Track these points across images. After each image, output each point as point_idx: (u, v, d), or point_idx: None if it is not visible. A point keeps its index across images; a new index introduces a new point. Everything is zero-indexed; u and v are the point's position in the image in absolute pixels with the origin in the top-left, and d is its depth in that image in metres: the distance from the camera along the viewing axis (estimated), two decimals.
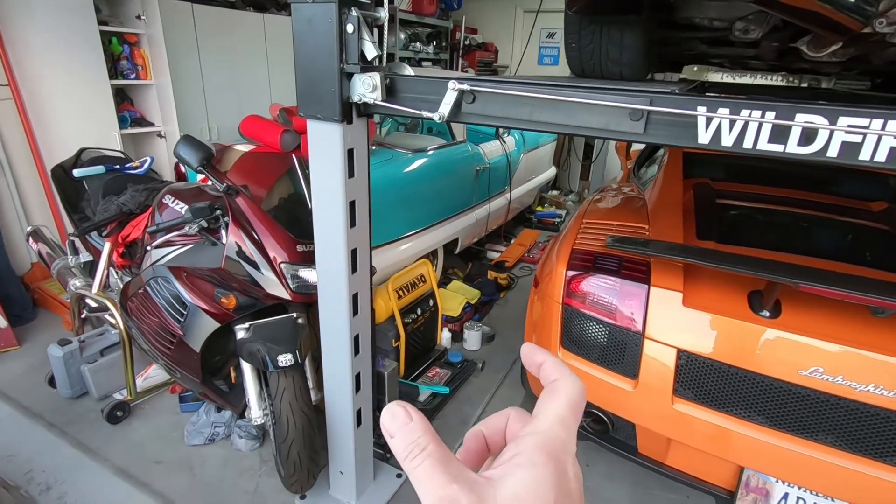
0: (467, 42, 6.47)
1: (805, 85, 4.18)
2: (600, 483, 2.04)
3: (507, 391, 2.58)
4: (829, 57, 2.06)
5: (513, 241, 4.52)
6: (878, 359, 1.29)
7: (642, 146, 3.55)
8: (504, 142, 4.14)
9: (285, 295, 1.77)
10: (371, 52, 1.23)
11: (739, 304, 1.48)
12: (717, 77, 5.49)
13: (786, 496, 1.47)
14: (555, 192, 6.05)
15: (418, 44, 5.98)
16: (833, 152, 0.90)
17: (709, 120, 0.97)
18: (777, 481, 1.47)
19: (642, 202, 2.26)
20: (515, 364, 2.77)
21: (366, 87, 1.26)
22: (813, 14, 1.18)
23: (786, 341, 1.39)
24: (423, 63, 6.16)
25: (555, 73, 6.22)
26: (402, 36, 5.67)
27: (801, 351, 1.37)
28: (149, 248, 1.94)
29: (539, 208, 5.46)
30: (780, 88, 3.91)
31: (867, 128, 0.87)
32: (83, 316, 2.43)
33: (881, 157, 0.87)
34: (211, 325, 1.80)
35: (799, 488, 1.45)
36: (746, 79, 5.42)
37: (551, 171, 5.44)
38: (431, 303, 2.74)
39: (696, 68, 5.39)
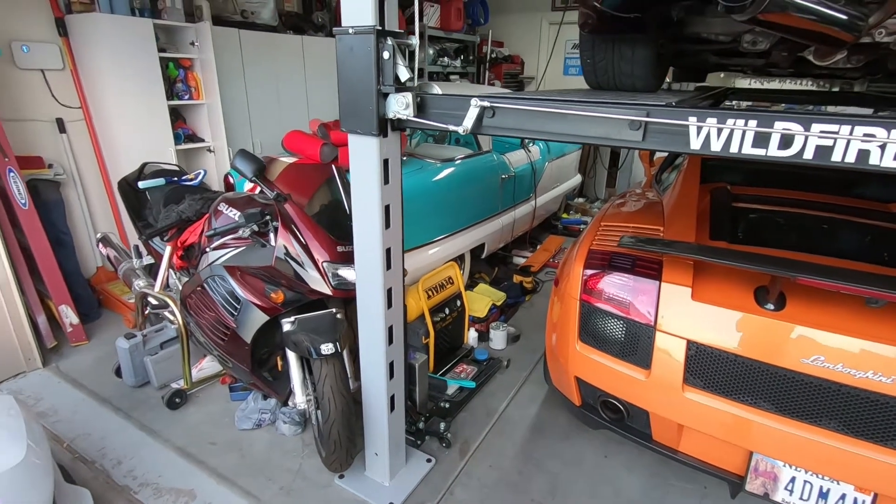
0: (494, 55, 6.66)
1: (836, 89, 4.18)
2: (619, 474, 2.14)
3: (530, 388, 2.70)
4: (843, 63, 2.14)
5: (538, 247, 4.64)
6: (876, 347, 1.37)
7: (665, 154, 3.63)
8: (529, 151, 4.29)
9: (327, 291, 1.97)
10: (404, 74, 1.42)
11: (746, 298, 1.59)
12: (744, 83, 5.50)
13: (793, 479, 1.55)
14: (581, 200, 6.14)
15: (446, 58, 6.21)
16: (809, 155, 1.03)
17: (699, 128, 1.11)
18: (785, 465, 1.55)
19: (660, 206, 2.36)
20: (539, 362, 2.89)
21: (400, 105, 1.45)
22: (802, 29, 1.30)
23: (789, 332, 1.49)
24: (451, 77, 6.38)
25: (579, 83, 6.34)
26: (431, 51, 5.91)
27: (804, 341, 1.46)
28: (207, 249, 2.18)
29: (565, 215, 5.56)
30: (807, 93, 3.92)
31: (837, 133, 0.99)
32: (146, 312, 2.70)
33: (851, 158, 0.99)
34: (261, 318, 2.01)
35: (806, 472, 1.53)
36: (774, 84, 5.40)
37: (576, 179, 5.55)
38: (459, 303, 2.90)
39: (722, 75, 5.42)
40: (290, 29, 4.40)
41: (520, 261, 4.32)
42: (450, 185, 3.37)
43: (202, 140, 3.80)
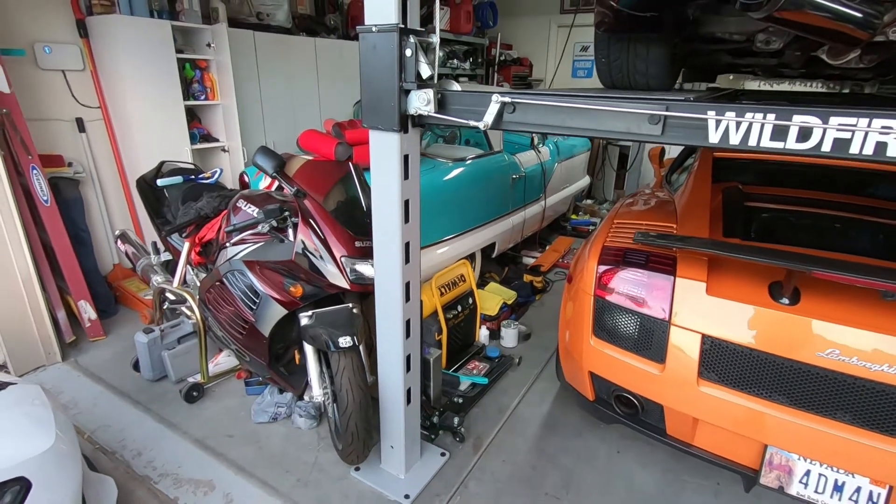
0: (503, 58, 6.71)
1: (847, 91, 4.18)
2: (633, 470, 2.15)
3: (542, 384, 2.72)
4: (855, 63, 2.15)
5: (548, 248, 4.66)
6: (891, 340, 1.39)
7: (675, 155, 3.65)
8: (539, 152, 4.31)
9: (345, 285, 2.00)
10: (426, 71, 1.45)
11: (760, 293, 1.60)
12: (753, 85, 5.51)
13: (808, 473, 1.56)
14: (589, 201, 6.16)
15: (455, 60, 6.26)
16: (827, 147, 1.05)
17: (717, 122, 1.13)
18: (799, 458, 1.57)
19: (672, 204, 2.38)
20: (551, 360, 2.91)
21: (421, 102, 1.48)
22: (817, 27, 1.32)
23: (804, 326, 1.50)
24: (460, 79, 6.43)
25: (587, 85, 6.37)
26: (441, 54, 5.96)
27: (819, 335, 1.48)
28: (227, 245, 2.22)
29: (574, 216, 5.58)
30: (818, 94, 3.92)
31: (855, 125, 1.01)
32: (164, 308, 2.75)
33: (868, 150, 1.01)
34: (279, 311, 2.05)
35: (821, 465, 1.54)
36: (784, 86, 5.41)
37: (585, 180, 5.56)
38: (471, 301, 2.93)
39: (731, 77, 5.44)
40: (303, 31, 4.47)
41: (529, 261, 4.35)
42: (461, 184, 3.40)
43: (217, 140, 3.86)
